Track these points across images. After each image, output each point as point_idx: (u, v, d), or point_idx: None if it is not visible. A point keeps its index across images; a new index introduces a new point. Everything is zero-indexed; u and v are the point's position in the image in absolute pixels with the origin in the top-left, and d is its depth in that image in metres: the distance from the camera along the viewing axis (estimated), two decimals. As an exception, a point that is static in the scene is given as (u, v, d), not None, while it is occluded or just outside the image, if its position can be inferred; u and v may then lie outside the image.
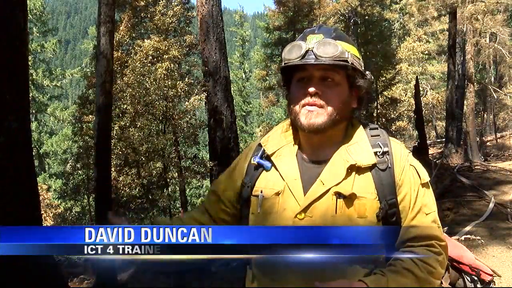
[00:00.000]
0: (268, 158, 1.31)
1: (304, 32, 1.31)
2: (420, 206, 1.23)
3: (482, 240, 4.99)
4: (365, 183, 1.22)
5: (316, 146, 1.29)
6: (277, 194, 1.26)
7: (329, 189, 1.21)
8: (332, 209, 1.20)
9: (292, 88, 1.29)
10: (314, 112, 1.22)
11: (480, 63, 22.73)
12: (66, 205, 13.58)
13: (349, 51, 1.25)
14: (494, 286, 1.61)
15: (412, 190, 1.23)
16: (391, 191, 1.22)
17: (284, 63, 1.27)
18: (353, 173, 1.22)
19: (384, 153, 1.24)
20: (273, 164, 1.30)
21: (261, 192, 1.28)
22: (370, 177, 1.22)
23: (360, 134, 1.29)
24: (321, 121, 1.22)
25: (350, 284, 1.14)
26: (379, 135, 1.29)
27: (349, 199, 1.20)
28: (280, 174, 1.27)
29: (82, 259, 8.99)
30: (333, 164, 1.24)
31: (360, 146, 1.26)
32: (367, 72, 1.32)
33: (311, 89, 1.22)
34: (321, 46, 1.22)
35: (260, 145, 1.35)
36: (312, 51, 1.22)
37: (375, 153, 1.24)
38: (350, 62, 1.23)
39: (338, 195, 1.20)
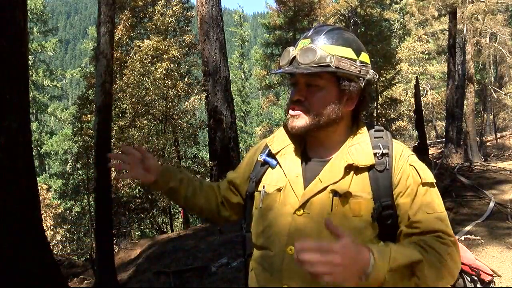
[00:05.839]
0: (274, 156, 1.35)
1: (301, 36, 1.34)
2: (420, 205, 1.19)
3: (482, 240, 4.99)
4: (362, 183, 1.22)
5: (318, 145, 1.31)
6: (279, 190, 1.28)
7: (326, 186, 1.22)
8: (328, 206, 1.20)
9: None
10: (295, 117, 1.27)
11: (480, 63, 22.76)
12: (66, 205, 13.56)
13: (335, 54, 1.22)
14: (494, 286, 1.61)
15: (409, 189, 1.21)
16: (386, 193, 1.21)
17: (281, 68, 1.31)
18: (351, 172, 1.23)
19: (383, 154, 1.24)
20: (278, 162, 1.33)
21: (264, 187, 1.32)
22: (367, 177, 1.23)
23: (363, 135, 1.30)
24: (300, 125, 1.26)
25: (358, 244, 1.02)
26: (382, 137, 1.29)
27: (345, 197, 1.20)
28: (284, 171, 1.30)
29: (82, 259, 9.00)
30: (333, 163, 1.26)
31: (361, 147, 1.26)
32: (370, 71, 1.30)
33: (294, 97, 1.28)
34: (303, 53, 1.24)
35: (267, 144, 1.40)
36: (296, 59, 1.25)
37: (375, 154, 1.24)
38: (333, 66, 1.22)
39: (334, 193, 1.21)
